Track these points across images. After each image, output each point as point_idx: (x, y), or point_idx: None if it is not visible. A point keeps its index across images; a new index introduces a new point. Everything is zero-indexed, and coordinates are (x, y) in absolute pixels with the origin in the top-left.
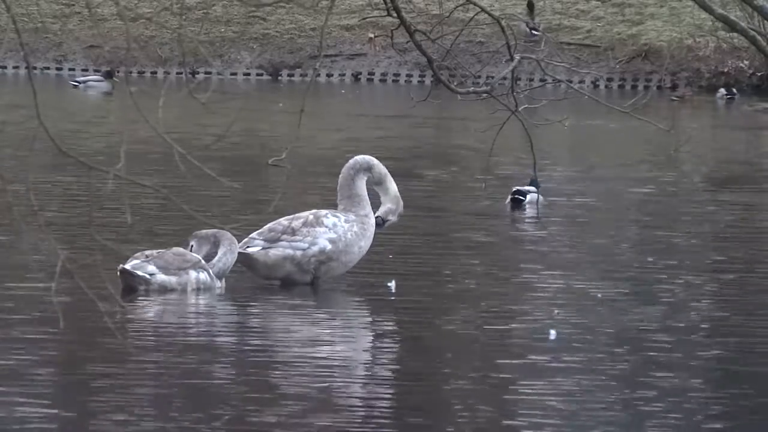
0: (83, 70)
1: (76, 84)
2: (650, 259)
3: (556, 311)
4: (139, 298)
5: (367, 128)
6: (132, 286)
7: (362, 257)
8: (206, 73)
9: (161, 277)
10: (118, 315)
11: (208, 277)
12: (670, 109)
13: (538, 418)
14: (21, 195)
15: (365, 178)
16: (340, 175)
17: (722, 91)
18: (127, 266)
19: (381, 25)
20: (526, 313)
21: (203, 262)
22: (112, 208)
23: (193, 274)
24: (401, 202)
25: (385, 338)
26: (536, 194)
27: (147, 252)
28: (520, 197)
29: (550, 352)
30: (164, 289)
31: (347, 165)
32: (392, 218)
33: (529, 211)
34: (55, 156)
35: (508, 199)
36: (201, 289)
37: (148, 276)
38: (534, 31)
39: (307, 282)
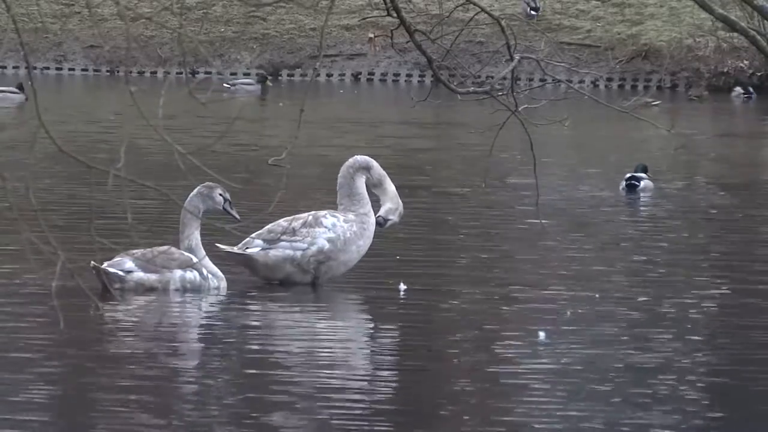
0: (245, 73)
1: (229, 86)
2: (644, 258)
3: (567, 312)
4: (138, 298)
5: (366, 129)
6: (107, 283)
7: (363, 257)
8: (206, 73)
9: (138, 275)
10: (113, 314)
11: (197, 276)
12: (689, 109)
13: (534, 419)
14: (21, 195)
15: (364, 178)
16: (339, 175)
17: (738, 89)
18: (104, 264)
19: (381, 25)
20: (529, 316)
21: (195, 260)
22: (112, 208)
23: (177, 273)
24: (401, 202)
25: (385, 338)
26: (649, 180)
27: (134, 250)
28: (635, 183)
29: (547, 355)
30: (142, 288)
31: (346, 164)
32: (393, 218)
33: (643, 197)
34: (56, 155)
35: (623, 185)
36: (187, 288)
37: (121, 273)
38: (533, 11)
39: (307, 282)
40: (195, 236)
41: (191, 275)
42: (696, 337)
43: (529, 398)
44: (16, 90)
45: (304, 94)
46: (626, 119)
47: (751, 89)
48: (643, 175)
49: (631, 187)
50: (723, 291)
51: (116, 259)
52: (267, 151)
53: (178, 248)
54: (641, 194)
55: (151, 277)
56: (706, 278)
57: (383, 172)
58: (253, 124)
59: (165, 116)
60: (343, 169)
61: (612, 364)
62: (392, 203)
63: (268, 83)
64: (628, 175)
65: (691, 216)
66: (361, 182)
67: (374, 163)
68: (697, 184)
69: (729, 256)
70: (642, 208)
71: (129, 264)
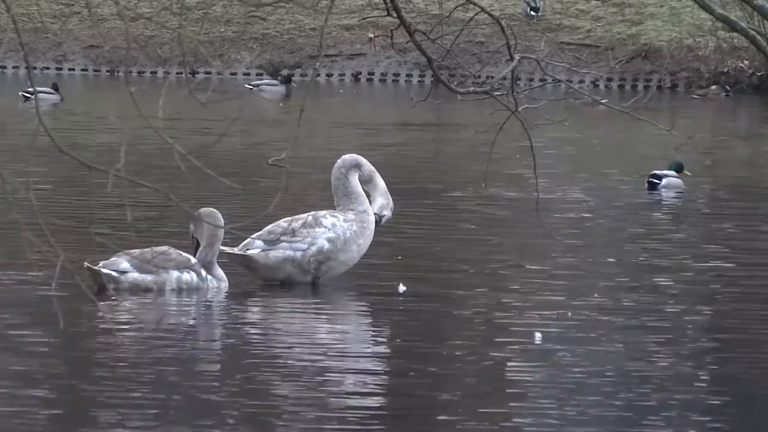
0: (258, 74)
1: (251, 87)
2: (646, 259)
3: (568, 313)
4: (139, 298)
5: (366, 129)
6: (102, 284)
7: (364, 257)
8: (206, 73)
9: (133, 275)
10: (112, 315)
11: (194, 277)
12: (691, 108)
13: (532, 421)
14: (21, 195)
15: (357, 175)
16: (332, 177)
17: (716, 88)
18: (100, 264)
19: (381, 25)
20: (528, 317)
21: (193, 261)
22: (112, 208)
23: (174, 273)
24: (390, 197)
25: (384, 339)
26: (675, 178)
27: (133, 251)
28: (655, 180)
29: (544, 357)
30: (137, 288)
31: (336, 165)
32: (387, 213)
33: (665, 195)
34: (55, 156)
35: (646, 182)
36: (184, 289)
37: (115, 274)
38: (533, 11)
39: (308, 282)
40: (215, 251)
41: (188, 276)
42: (697, 342)
43: (526, 400)
44: (51, 90)
45: (304, 93)
46: (626, 119)
47: (728, 87)
48: (669, 172)
49: (651, 184)
50: (727, 295)
51: (112, 259)
52: (269, 151)
53: (186, 252)
54: (663, 192)
55: (147, 278)
56: (710, 281)
57: (372, 168)
58: (257, 124)
59: (179, 118)
60: (335, 171)
61: (611, 367)
62: (383, 198)
63: (293, 84)
64: (652, 172)
65: (697, 216)
66: (354, 180)
67: (363, 160)
68: (703, 181)
69: (734, 258)
70: (654, 207)
71: (124, 264)
